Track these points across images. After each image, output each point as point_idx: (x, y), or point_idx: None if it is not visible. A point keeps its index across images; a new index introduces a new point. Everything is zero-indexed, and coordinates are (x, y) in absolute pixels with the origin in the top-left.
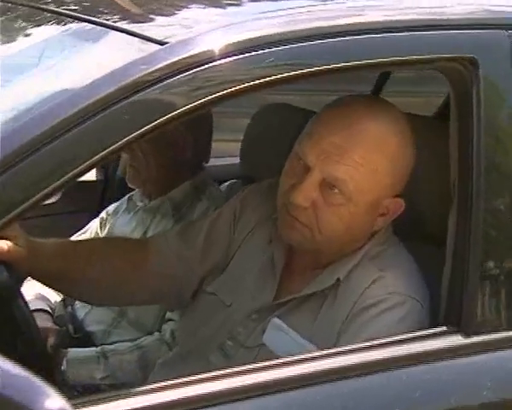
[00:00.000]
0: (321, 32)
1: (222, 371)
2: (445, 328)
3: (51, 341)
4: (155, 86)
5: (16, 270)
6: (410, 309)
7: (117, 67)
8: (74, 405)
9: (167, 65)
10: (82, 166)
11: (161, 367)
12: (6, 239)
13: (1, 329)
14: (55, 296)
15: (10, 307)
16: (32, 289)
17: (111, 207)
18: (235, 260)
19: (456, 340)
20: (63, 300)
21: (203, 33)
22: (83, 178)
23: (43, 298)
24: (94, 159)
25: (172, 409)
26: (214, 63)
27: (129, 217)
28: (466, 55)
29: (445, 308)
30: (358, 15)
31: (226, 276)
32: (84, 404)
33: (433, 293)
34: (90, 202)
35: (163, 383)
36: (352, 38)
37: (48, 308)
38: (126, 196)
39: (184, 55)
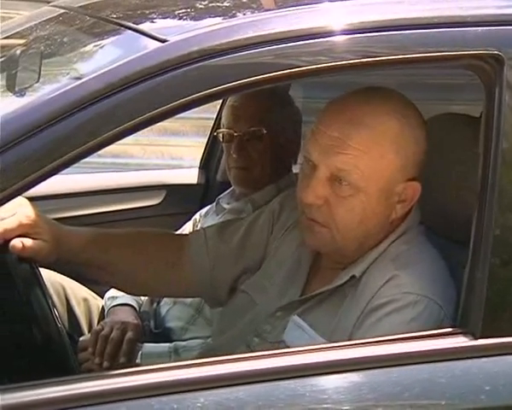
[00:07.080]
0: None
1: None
2: (451, 329)
3: (129, 334)
4: None
5: (35, 264)
6: (424, 309)
7: None
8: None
9: None
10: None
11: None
12: (26, 236)
13: (18, 321)
14: None
15: (29, 300)
16: None
17: (204, 210)
18: (269, 260)
19: (463, 342)
20: None
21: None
22: (185, 182)
23: None
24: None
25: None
26: None
27: (216, 219)
28: (491, 52)
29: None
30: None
31: (259, 275)
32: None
33: None
34: (192, 204)
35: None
36: (377, 34)
37: (134, 303)
38: (216, 199)
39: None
